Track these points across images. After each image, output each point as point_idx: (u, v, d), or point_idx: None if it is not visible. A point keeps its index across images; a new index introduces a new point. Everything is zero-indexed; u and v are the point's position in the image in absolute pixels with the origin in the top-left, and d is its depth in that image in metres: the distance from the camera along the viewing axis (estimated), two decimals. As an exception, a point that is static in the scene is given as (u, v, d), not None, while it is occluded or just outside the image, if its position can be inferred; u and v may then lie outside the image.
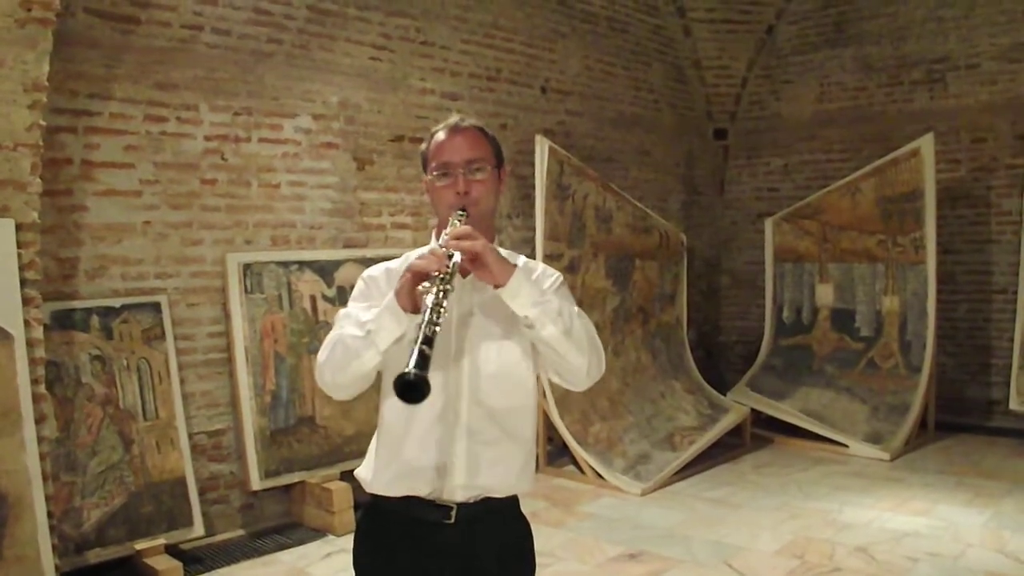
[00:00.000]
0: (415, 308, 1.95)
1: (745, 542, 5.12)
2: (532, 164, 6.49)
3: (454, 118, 2.23)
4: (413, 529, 2.11)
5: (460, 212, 2.11)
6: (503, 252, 2.22)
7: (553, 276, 2.24)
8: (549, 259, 6.43)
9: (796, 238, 8.28)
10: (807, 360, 8.09)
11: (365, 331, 2.01)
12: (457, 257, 1.95)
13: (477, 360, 2.11)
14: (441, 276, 1.91)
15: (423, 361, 1.79)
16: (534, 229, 6.51)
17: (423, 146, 2.25)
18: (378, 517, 2.20)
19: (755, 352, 8.49)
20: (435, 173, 2.17)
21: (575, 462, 6.49)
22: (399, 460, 2.11)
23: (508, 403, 2.13)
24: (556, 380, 2.18)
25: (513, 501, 2.22)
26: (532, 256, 6.32)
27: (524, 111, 7.24)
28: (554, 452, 6.80)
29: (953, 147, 7.95)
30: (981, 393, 7.97)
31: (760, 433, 7.54)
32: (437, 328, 1.85)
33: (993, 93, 7.78)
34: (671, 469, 6.39)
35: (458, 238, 1.98)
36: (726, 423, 7.16)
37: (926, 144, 7.27)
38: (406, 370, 1.75)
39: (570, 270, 6.68)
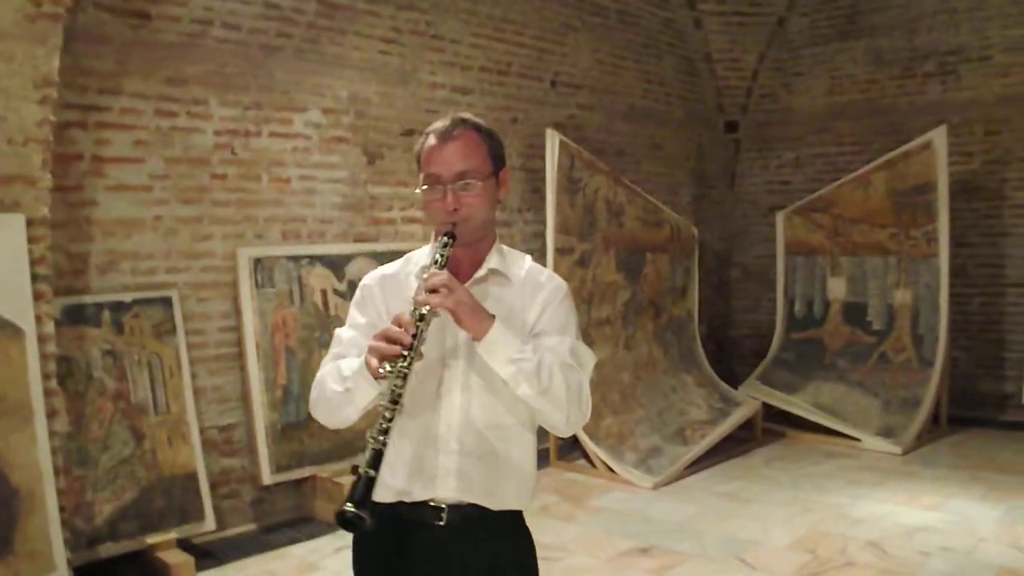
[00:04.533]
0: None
1: (757, 536, 5.11)
2: (542, 158, 6.48)
3: (447, 120, 2.06)
4: (403, 531, 2.04)
5: (446, 238, 1.99)
6: (506, 251, 2.14)
7: (554, 289, 2.11)
8: (560, 253, 6.42)
9: (808, 231, 8.24)
10: (819, 354, 8.05)
11: (345, 388, 1.96)
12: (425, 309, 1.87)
13: (469, 379, 2.03)
14: (403, 357, 1.82)
15: (364, 493, 1.73)
16: (544, 223, 6.49)
17: (417, 145, 2.11)
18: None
19: (766, 346, 8.46)
20: (424, 185, 2.05)
21: (586, 456, 6.49)
22: (386, 483, 2.01)
23: (500, 421, 2.04)
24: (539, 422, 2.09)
25: (511, 516, 2.11)
26: (543, 251, 6.41)
27: (534, 105, 7.22)
28: (565, 446, 6.79)
29: (966, 139, 7.91)
30: (994, 387, 7.93)
31: (772, 427, 7.52)
32: (387, 431, 1.80)
33: (1007, 86, 7.73)
34: (682, 463, 6.38)
35: (431, 290, 1.87)
36: (738, 417, 7.14)
37: (938, 137, 7.21)
38: (345, 507, 1.71)
39: (581, 264, 6.67)
